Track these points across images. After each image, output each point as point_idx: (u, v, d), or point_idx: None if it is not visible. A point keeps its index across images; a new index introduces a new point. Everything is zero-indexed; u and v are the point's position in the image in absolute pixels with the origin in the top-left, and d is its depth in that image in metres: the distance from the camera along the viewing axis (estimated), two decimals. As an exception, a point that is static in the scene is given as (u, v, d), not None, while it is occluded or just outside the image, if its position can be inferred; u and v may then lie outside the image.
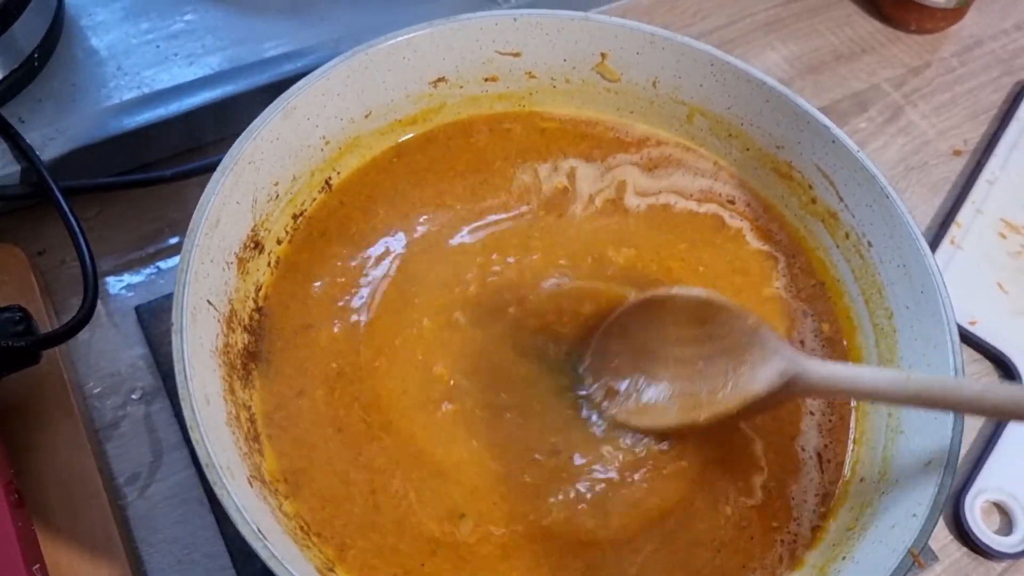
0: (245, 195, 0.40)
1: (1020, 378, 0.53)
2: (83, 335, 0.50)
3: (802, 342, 0.44)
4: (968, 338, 0.55)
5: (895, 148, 0.65)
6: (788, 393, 0.37)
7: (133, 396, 0.49)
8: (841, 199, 0.44)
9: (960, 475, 0.50)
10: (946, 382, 0.36)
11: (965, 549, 0.48)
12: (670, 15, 0.69)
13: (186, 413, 0.33)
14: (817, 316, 0.45)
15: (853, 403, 0.42)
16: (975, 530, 0.47)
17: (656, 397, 0.40)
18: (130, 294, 0.52)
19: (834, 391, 0.38)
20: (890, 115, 0.67)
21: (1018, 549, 0.47)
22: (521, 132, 0.49)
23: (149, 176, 0.53)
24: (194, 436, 0.33)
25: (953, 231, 0.60)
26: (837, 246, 0.45)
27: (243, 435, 0.37)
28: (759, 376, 0.37)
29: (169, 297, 0.50)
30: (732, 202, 0.48)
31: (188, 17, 0.57)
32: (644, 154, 0.49)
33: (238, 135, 0.39)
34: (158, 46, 0.55)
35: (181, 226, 0.54)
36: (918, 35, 0.71)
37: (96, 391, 0.49)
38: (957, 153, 0.65)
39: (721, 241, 0.46)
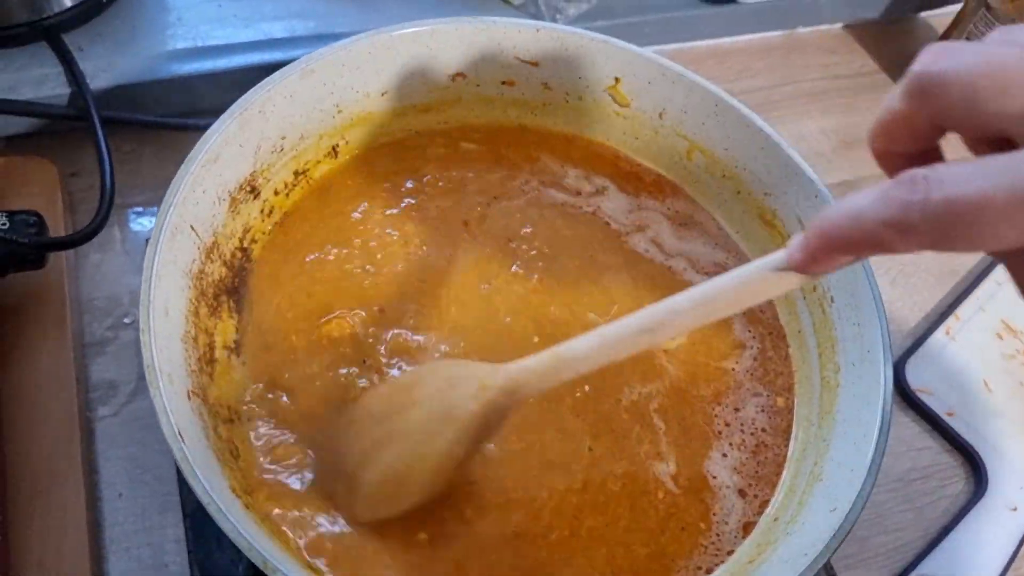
0: (249, 140, 0.43)
1: (985, 477, 0.53)
2: (94, 256, 0.54)
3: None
4: (943, 429, 0.55)
5: (910, 232, 0.65)
6: (508, 403, 0.36)
7: (125, 320, 0.52)
8: (815, 253, 0.45)
9: (904, 560, 0.50)
10: (633, 319, 0.33)
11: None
12: (716, 67, 0.71)
13: (141, 315, 0.35)
14: (773, 392, 0.46)
15: (790, 451, 0.43)
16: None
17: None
18: (146, 228, 0.56)
19: (547, 378, 0.35)
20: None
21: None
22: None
23: (186, 122, 0.56)
24: (143, 338, 0.35)
25: (950, 322, 0.60)
26: (804, 298, 0.46)
27: (197, 356, 0.39)
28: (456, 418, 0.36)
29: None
30: None
31: (253, -14, 0.61)
32: (669, 205, 0.51)
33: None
34: (220, 5, 0.59)
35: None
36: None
37: (93, 309, 0.52)
38: (972, 249, 0.65)
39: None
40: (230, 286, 0.43)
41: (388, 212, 0.47)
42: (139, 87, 0.55)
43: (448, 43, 0.47)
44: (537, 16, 0.63)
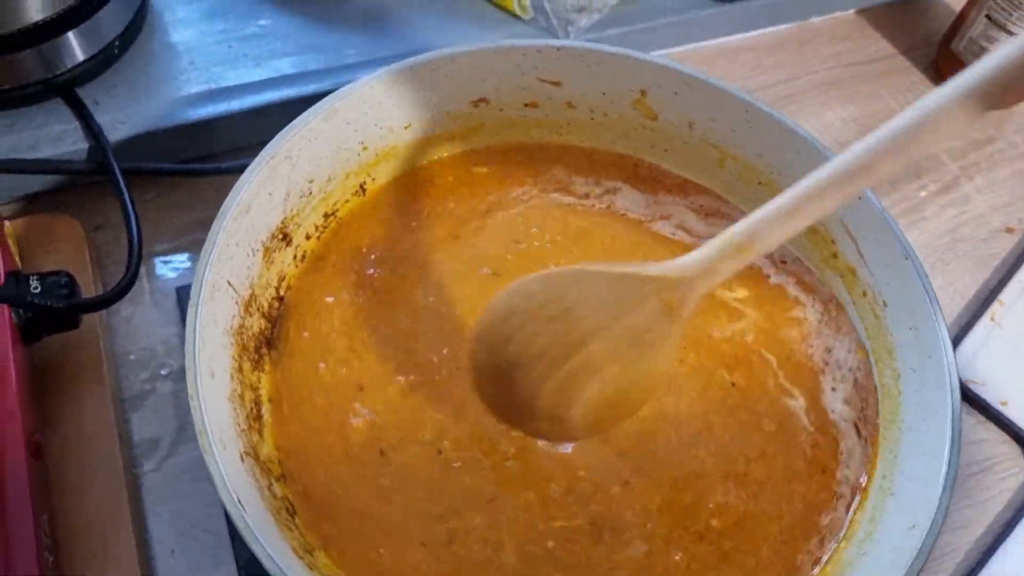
0: (278, 188, 0.42)
1: (1047, 464, 0.52)
2: (125, 310, 0.53)
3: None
4: (998, 419, 0.54)
5: (944, 219, 0.64)
6: (696, 307, 0.33)
7: (162, 372, 0.51)
8: (861, 256, 0.44)
9: (971, 560, 0.49)
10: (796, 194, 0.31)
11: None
12: (729, 66, 0.70)
13: (189, 381, 0.35)
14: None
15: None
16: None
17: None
18: (174, 275, 0.55)
19: (728, 269, 0.32)
20: (944, 185, 0.66)
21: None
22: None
23: (206, 167, 0.56)
24: (193, 404, 0.34)
25: (995, 308, 0.59)
26: (854, 303, 0.45)
27: (245, 413, 0.39)
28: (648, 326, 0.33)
29: (207, 282, 0.53)
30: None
31: (263, 22, 0.60)
32: (692, 200, 0.51)
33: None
34: (230, 46, 0.59)
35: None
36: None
37: (129, 363, 0.51)
38: (1010, 231, 0.64)
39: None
40: (270, 337, 0.42)
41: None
42: (157, 135, 0.55)
43: (468, 70, 0.47)
44: (548, 30, 0.62)
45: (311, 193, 0.45)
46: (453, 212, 0.48)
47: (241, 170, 0.55)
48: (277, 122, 0.57)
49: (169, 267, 0.55)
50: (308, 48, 0.59)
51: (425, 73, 0.46)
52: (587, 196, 0.50)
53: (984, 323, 0.58)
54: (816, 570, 0.38)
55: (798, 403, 0.44)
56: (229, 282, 0.39)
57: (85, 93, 0.54)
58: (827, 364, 0.45)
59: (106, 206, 0.55)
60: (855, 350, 0.46)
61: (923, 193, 0.65)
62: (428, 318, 0.44)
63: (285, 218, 0.43)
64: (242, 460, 0.36)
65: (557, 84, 0.48)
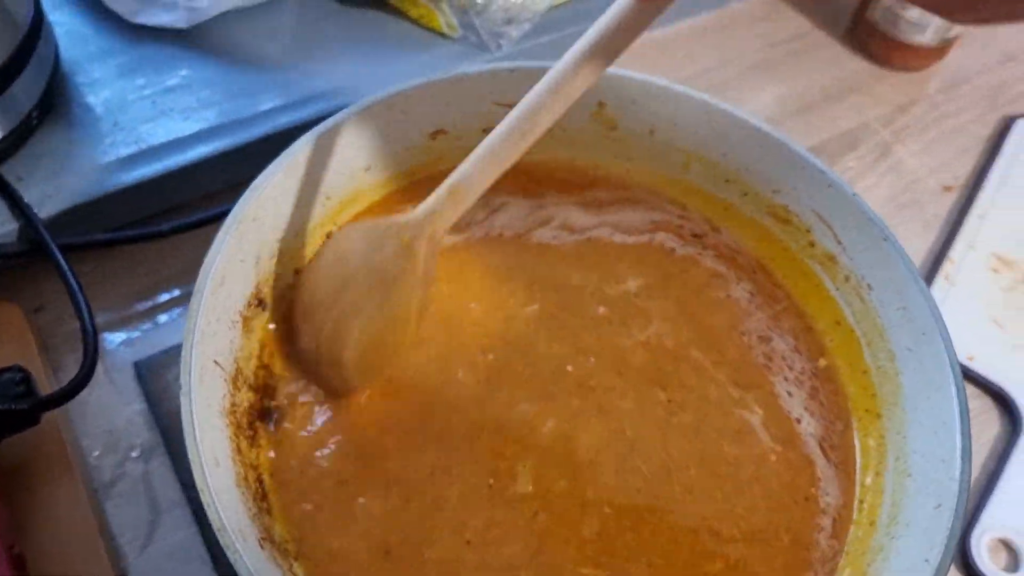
0: (249, 253, 0.40)
1: (1019, 412, 0.54)
2: (82, 394, 0.50)
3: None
4: (967, 374, 0.56)
5: (885, 186, 0.65)
6: (436, 245, 0.40)
7: (132, 454, 0.49)
8: (839, 242, 0.45)
9: (965, 513, 0.50)
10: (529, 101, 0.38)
11: (974, 588, 0.48)
12: (661, 58, 0.70)
13: (197, 477, 0.33)
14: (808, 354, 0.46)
15: (856, 442, 0.43)
16: (982, 568, 0.47)
17: None
18: (127, 350, 0.52)
19: (456, 209, 0.39)
20: (880, 153, 0.67)
21: (1026, 586, 0.47)
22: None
23: (146, 231, 0.53)
24: (205, 499, 0.32)
25: (947, 267, 0.60)
26: (837, 289, 0.45)
27: (251, 495, 0.37)
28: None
29: (167, 352, 0.50)
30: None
31: (183, 73, 0.58)
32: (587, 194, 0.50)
33: (236, 188, 0.39)
34: (154, 101, 0.56)
35: (178, 280, 0.54)
36: (904, 73, 0.72)
37: (95, 450, 0.48)
38: (947, 189, 0.66)
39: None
40: (260, 409, 0.40)
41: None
42: (90, 205, 0.52)
43: (422, 104, 0.45)
44: (479, 45, 0.61)
45: (280, 252, 0.43)
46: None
47: (185, 229, 0.53)
48: (214, 176, 0.55)
49: (121, 342, 0.52)
50: (236, 94, 0.57)
51: (381, 112, 0.44)
52: (468, 225, 0.49)
53: (939, 283, 0.60)
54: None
55: (754, 414, 0.43)
56: (216, 361, 0.37)
57: (7, 170, 0.51)
58: (770, 359, 0.45)
59: (43, 286, 0.52)
60: (801, 335, 0.45)
61: (861, 163, 0.66)
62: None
63: (259, 282, 0.41)
64: (261, 547, 0.34)
65: (513, 106, 0.47)
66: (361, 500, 0.38)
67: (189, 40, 0.59)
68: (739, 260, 0.48)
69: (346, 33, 0.62)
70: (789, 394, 0.44)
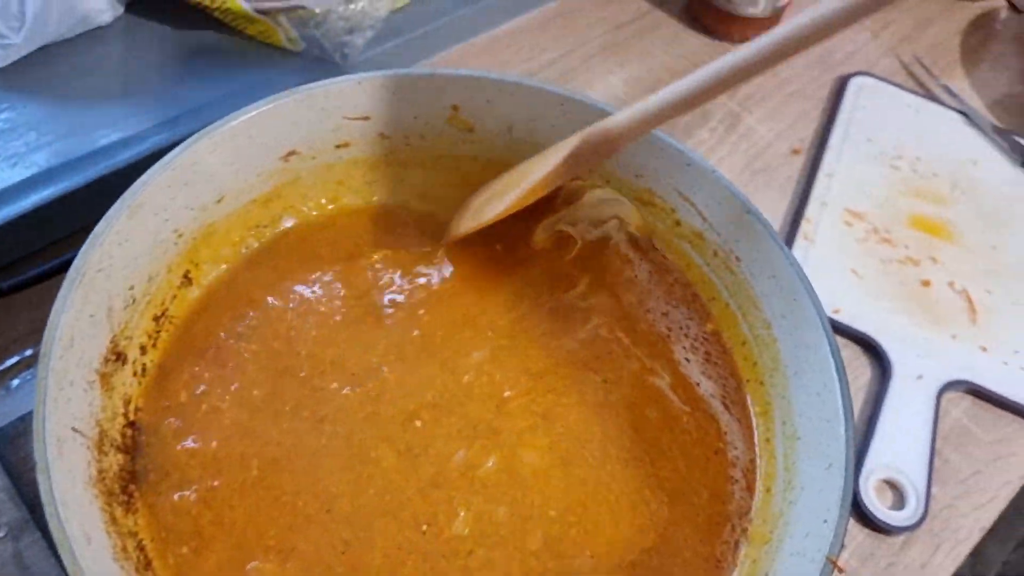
0: (99, 306, 0.37)
1: (886, 355, 0.56)
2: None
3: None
4: (836, 327, 0.58)
5: (739, 155, 0.67)
6: (594, 151, 0.42)
7: (-1, 534, 0.45)
8: (704, 219, 0.46)
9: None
10: (706, 71, 0.41)
11: (867, 531, 0.50)
12: (508, 52, 0.70)
13: (66, 560, 0.30)
14: (698, 319, 0.47)
15: (753, 412, 0.44)
16: (872, 510, 0.49)
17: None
18: (-25, 427, 0.48)
19: (634, 130, 0.42)
20: (729, 124, 0.69)
21: (913, 520, 0.49)
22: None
23: (-18, 294, 0.48)
24: (81, 584, 0.30)
25: (804, 226, 0.63)
26: (708, 264, 0.46)
27: (134, 566, 0.34)
28: (559, 148, 0.43)
29: (25, 419, 0.46)
30: None
31: (4, 116, 0.53)
32: None
33: (79, 235, 0.36)
34: (-26, 151, 0.51)
35: (28, 340, 0.50)
36: (742, 44, 0.74)
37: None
38: (796, 152, 0.68)
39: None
40: (133, 471, 0.38)
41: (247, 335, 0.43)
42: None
43: (271, 126, 0.43)
44: (324, 57, 0.59)
45: (134, 300, 0.40)
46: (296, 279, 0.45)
47: (26, 285, 0.49)
48: (53, 225, 0.51)
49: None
50: (67, 133, 0.53)
51: (226, 140, 0.42)
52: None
53: (800, 243, 0.62)
54: (742, 551, 0.39)
55: (663, 380, 0.45)
56: (74, 428, 0.34)
57: None
58: (670, 330, 0.46)
59: None
60: (690, 303, 0.47)
61: (714, 135, 0.68)
62: (293, 388, 0.41)
63: (115, 335, 0.38)
64: (153, 623, 0.32)
65: (366, 118, 0.46)
66: (253, 564, 0.36)
67: (6, 80, 0.55)
68: (640, 242, 0.49)
69: (181, 57, 0.59)
70: (687, 360, 0.46)
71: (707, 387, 0.45)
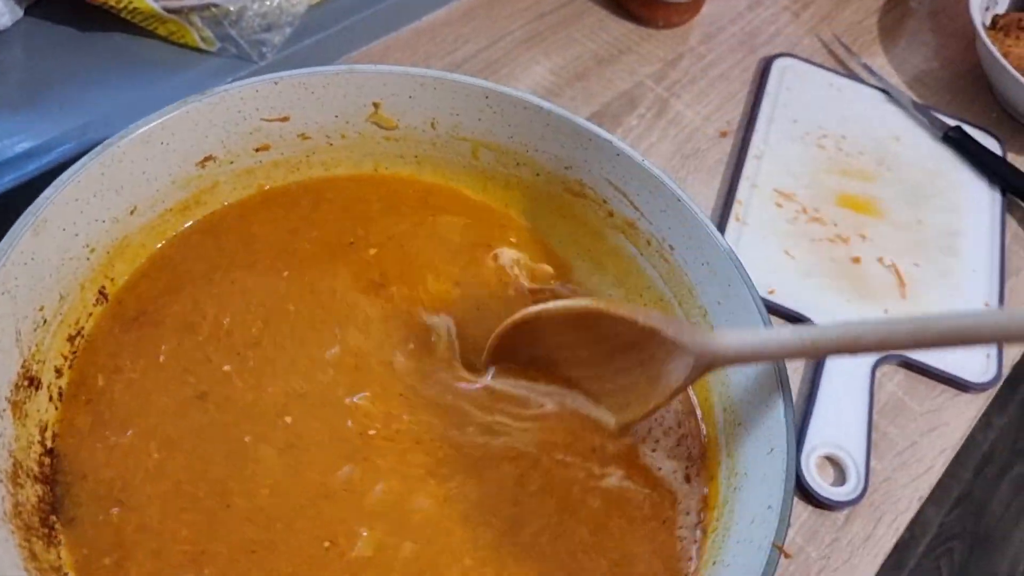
0: (5, 331, 0.35)
1: (822, 335, 0.57)
2: None
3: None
4: (771, 307, 0.58)
5: (668, 140, 0.67)
6: (704, 372, 0.39)
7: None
8: (636, 208, 0.45)
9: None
10: (845, 329, 0.36)
11: (811, 508, 0.50)
12: (431, 45, 0.69)
13: (-19, 606, 0.28)
14: None
15: (698, 410, 0.44)
16: (815, 487, 0.50)
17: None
18: None
19: (746, 358, 0.39)
20: (658, 109, 0.69)
21: (855, 495, 0.50)
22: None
23: None
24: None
25: (736, 208, 0.63)
26: (641, 253, 0.46)
27: (59, 603, 0.32)
28: (673, 370, 0.38)
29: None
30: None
31: None
32: None
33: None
34: None
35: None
36: (667, 30, 0.75)
37: None
38: (723, 134, 0.69)
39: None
40: (53, 502, 0.36)
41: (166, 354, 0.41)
42: None
43: (183, 131, 0.41)
44: (241, 56, 0.57)
45: (45, 321, 0.38)
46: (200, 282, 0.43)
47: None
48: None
49: None
50: (-34, 145, 0.50)
51: (137, 149, 0.40)
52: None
53: (732, 225, 0.62)
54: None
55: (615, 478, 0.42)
56: (-15, 462, 0.32)
57: None
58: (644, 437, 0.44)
59: None
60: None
61: (642, 122, 0.68)
62: (218, 408, 0.40)
63: (25, 360, 0.36)
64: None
65: (285, 119, 0.44)
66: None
67: None
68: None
69: (90, 60, 0.56)
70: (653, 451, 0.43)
71: (669, 467, 0.43)
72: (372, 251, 0.46)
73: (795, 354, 0.37)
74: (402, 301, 0.44)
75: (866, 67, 0.74)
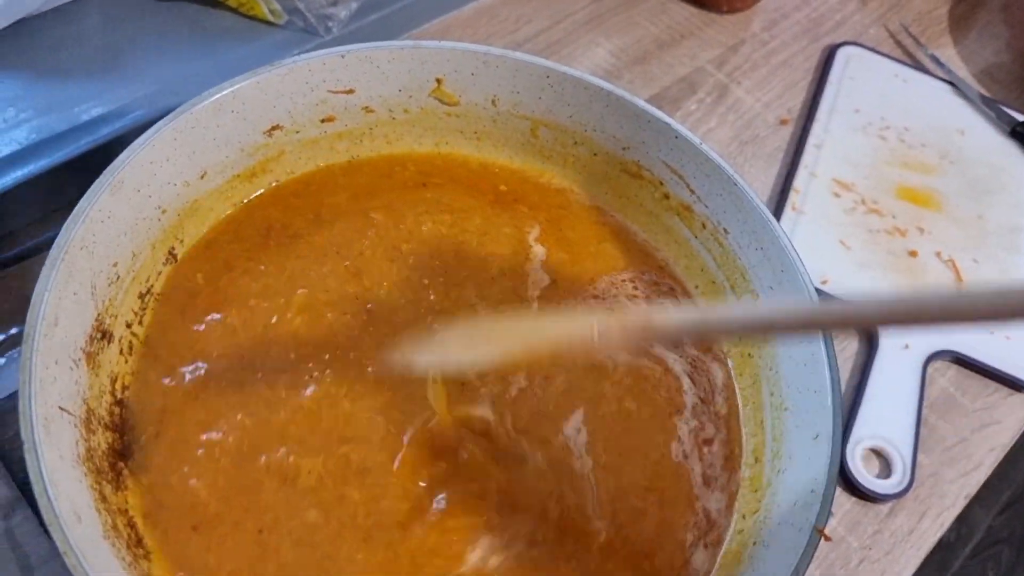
0: (83, 284, 0.37)
1: (874, 327, 0.56)
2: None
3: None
4: (823, 297, 0.58)
5: (727, 126, 0.67)
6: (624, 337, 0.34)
7: (-17, 520, 0.44)
8: (692, 191, 0.46)
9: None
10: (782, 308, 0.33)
11: (853, 499, 0.50)
12: (492, 24, 0.69)
13: (57, 538, 0.30)
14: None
15: (737, 388, 0.44)
16: (860, 478, 0.50)
17: None
18: (-38, 404, 0.47)
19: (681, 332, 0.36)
20: (718, 95, 0.69)
21: (899, 488, 0.50)
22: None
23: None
24: (70, 562, 0.30)
25: (793, 197, 0.63)
26: (696, 236, 0.46)
27: (124, 544, 0.34)
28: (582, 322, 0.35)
29: (12, 397, 0.46)
30: None
31: (-18, 92, 0.52)
32: None
33: (60, 213, 0.36)
34: (-52, 129, 0.50)
35: (13, 318, 0.49)
36: (729, 15, 0.74)
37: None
38: (784, 122, 0.68)
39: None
40: (122, 448, 0.37)
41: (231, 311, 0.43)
42: None
43: (253, 100, 0.43)
44: (308, 30, 0.58)
45: (119, 278, 0.39)
46: (273, 248, 0.44)
47: (7, 264, 0.48)
48: (34, 202, 0.51)
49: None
50: (47, 108, 0.52)
51: (209, 116, 0.41)
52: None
53: (788, 214, 0.62)
54: (735, 515, 0.40)
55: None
56: (61, 407, 0.34)
57: None
58: None
59: None
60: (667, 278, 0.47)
61: (702, 107, 0.68)
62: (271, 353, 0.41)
63: (99, 313, 0.38)
64: (143, 599, 0.32)
65: (351, 92, 0.45)
66: (243, 528, 0.36)
67: (-18, 55, 0.54)
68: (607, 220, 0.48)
69: (163, 30, 0.58)
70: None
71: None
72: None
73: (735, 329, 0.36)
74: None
75: (934, 58, 0.73)
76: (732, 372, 0.44)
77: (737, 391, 0.44)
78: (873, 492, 0.49)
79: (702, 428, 0.42)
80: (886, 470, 0.50)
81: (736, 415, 0.43)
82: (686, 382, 0.43)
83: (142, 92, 0.54)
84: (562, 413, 0.41)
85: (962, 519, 0.52)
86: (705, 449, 0.42)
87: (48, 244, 0.37)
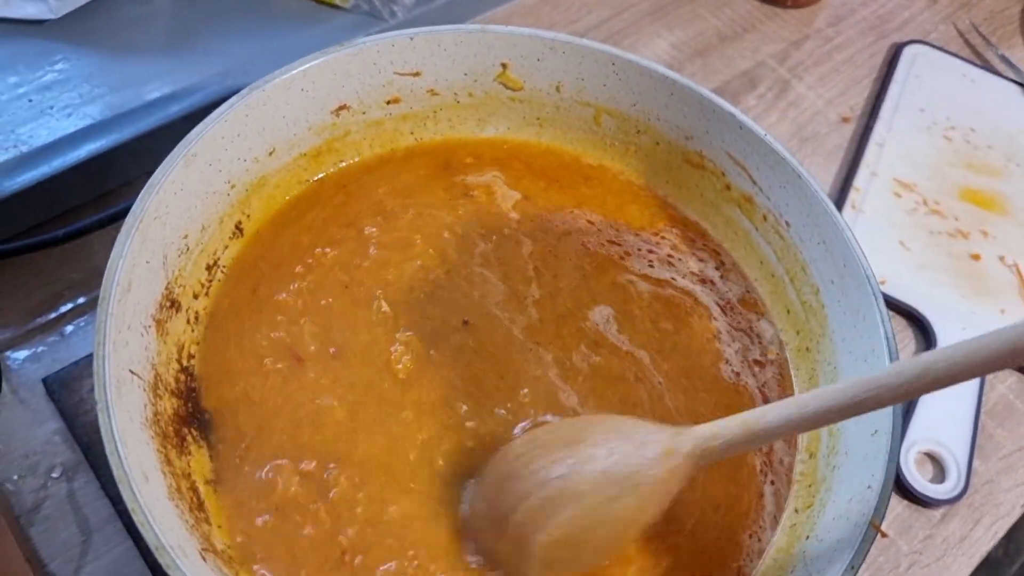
0: (155, 253, 0.38)
1: (931, 328, 0.56)
2: (-11, 419, 0.47)
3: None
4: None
5: (788, 121, 0.67)
6: (692, 472, 0.34)
7: (53, 475, 0.46)
8: (755, 183, 0.45)
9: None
10: (835, 392, 0.31)
11: (905, 502, 0.50)
12: (555, 13, 0.69)
13: (126, 496, 0.31)
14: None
15: (796, 382, 0.44)
16: (913, 482, 0.49)
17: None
18: (34, 366, 0.49)
19: (735, 447, 0.33)
20: (779, 90, 0.68)
21: (953, 494, 0.49)
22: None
23: (40, 239, 0.50)
24: (138, 519, 0.31)
25: (853, 196, 0.62)
26: (756, 228, 0.46)
27: (187, 506, 0.35)
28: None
29: (78, 364, 0.47)
30: None
31: (59, 67, 0.54)
32: None
33: (130, 185, 0.37)
34: (31, 100, 0.52)
35: (81, 287, 0.51)
36: (794, 9, 0.73)
37: (12, 476, 0.46)
38: (846, 120, 0.67)
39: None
40: (186, 415, 0.38)
41: (297, 285, 0.44)
42: (-28, 217, 0.48)
43: (323, 79, 0.43)
44: (373, 13, 0.59)
45: (188, 249, 0.40)
46: (342, 226, 0.45)
47: (81, 233, 0.50)
48: (106, 175, 0.52)
49: (26, 358, 0.49)
50: (119, 85, 0.54)
51: (279, 93, 0.42)
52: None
53: (847, 212, 0.61)
54: (787, 512, 0.39)
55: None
56: (132, 371, 0.35)
57: None
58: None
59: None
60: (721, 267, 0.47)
61: (762, 102, 0.67)
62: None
63: (169, 282, 0.39)
64: (203, 559, 0.33)
65: (417, 74, 0.46)
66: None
67: (60, 32, 0.56)
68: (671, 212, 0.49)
69: (230, 11, 0.59)
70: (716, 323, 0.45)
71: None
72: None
73: (794, 429, 0.32)
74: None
75: (1004, 59, 0.72)
76: (789, 367, 0.44)
77: (795, 386, 0.43)
78: (926, 496, 0.49)
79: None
80: (940, 475, 0.50)
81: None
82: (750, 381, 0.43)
83: (210, 71, 0.55)
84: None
85: (1011, 536, 0.51)
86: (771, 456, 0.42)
87: (119, 216, 0.38)
